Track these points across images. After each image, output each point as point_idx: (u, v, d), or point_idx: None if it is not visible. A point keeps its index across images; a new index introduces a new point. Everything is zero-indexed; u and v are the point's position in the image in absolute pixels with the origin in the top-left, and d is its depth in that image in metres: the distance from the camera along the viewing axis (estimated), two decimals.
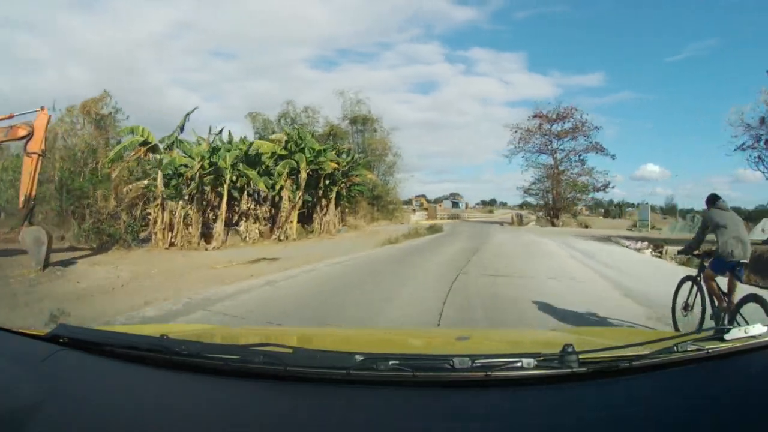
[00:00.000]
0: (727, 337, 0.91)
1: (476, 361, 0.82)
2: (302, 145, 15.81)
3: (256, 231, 13.91)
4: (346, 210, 21.10)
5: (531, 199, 34.79)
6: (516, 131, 31.71)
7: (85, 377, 0.96)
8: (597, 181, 31.07)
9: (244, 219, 13.88)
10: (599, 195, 32.92)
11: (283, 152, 15.54)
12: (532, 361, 0.82)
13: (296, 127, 16.78)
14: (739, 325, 1.06)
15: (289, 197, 14.88)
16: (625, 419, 0.74)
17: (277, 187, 14.52)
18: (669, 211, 40.96)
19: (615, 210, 45.28)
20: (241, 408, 0.81)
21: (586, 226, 29.14)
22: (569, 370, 0.82)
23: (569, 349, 0.84)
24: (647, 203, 29.80)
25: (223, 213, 12.62)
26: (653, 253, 11.69)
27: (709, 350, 0.89)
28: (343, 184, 18.67)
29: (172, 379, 0.93)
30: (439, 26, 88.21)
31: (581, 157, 30.99)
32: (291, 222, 14.83)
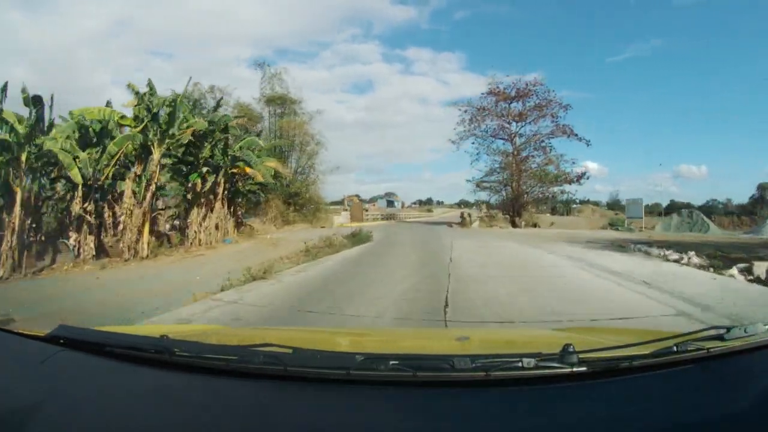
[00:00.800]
0: (727, 336, 1.28)
1: (476, 361, 1.17)
2: (156, 111, 14.67)
3: (92, 246, 13.18)
4: (244, 210, 21.20)
5: (483, 194, 38.77)
6: (466, 111, 35.41)
7: (85, 378, 1.28)
8: (568, 171, 34.26)
9: (73, 229, 13.08)
10: (571, 188, 35.83)
11: (127, 122, 14.59)
12: (532, 361, 1.17)
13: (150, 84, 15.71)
14: None
15: (134, 192, 14.00)
16: (626, 419, 1.08)
17: (102, 177, 13.56)
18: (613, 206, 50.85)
19: (562, 207, 51.02)
20: (242, 408, 1.12)
21: (535, 225, 32.84)
22: (569, 369, 1.17)
23: (569, 349, 1.19)
24: (640, 198, 32.07)
25: (17, 219, 11.42)
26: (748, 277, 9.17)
27: (710, 350, 1.26)
28: (236, 176, 18.41)
29: (172, 379, 1.25)
30: (378, 26, 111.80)
31: (543, 143, 34.66)
32: (143, 231, 14.03)
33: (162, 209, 17.33)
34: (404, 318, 6.27)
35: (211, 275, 9.90)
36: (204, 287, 8.45)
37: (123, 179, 14.51)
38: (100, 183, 13.79)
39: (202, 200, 16.74)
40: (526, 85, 33.99)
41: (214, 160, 17.10)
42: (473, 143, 35.93)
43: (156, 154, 14.52)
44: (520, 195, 34.68)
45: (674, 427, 1.06)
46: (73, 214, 13.09)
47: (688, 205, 41.72)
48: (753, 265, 9.60)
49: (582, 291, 8.18)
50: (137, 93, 15.54)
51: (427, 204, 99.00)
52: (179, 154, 16.44)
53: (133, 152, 14.48)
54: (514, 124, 35.12)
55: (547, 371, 1.19)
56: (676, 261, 11.94)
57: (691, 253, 11.98)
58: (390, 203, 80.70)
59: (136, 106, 15.12)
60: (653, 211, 39.62)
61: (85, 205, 13.24)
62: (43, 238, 12.99)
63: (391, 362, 1.18)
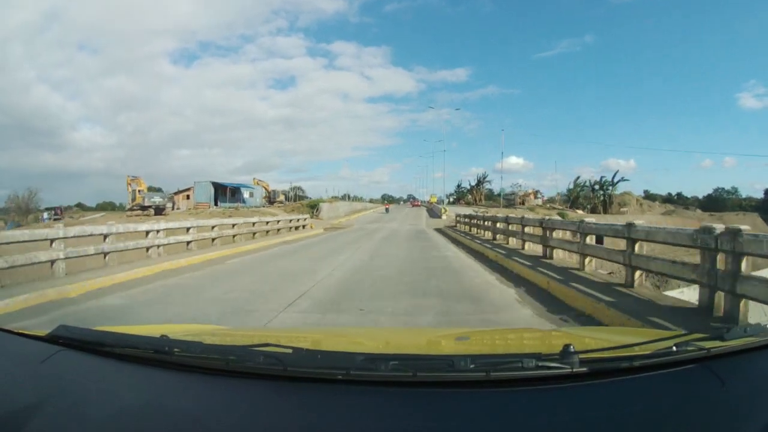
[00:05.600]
0: (727, 337, 1.29)
1: (476, 361, 1.18)
2: None
3: None
4: None
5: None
6: None
7: (84, 378, 1.29)
8: None
9: None
10: None
11: None
12: (532, 361, 1.18)
13: None
14: None
15: None
16: (626, 419, 1.08)
17: None
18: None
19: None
20: (241, 408, 1.13)
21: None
22: (569, 369, 1.17)
23: (569, 349, 1.20)
24: None
25: None
26: None
27: (710, 350, 1.27)
28: None
29: (172, 379, 1.26)
30: (304, 18, 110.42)
31: None
32: None
33: None
34: None
35: None
36: None
37: None
38: None
39: None
40: None
41: None
42: None
43: None
44: None
45: (675, 427, 1.06)
46: None
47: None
48: None
49: None
50: None
51: (342, 199, 72.36)
52: None
53: None
54: None
55: (547, 371, 1.19)
56: None
57: None
58: (232, 194, 48.41)
59: None
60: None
61: None
62: None
63: (391, 362, 1.19)
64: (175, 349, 1.31)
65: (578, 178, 72.86)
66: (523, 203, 58.08)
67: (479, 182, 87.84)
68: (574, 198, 70.41)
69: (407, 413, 1.10)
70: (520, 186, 65.04)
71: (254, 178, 51.79)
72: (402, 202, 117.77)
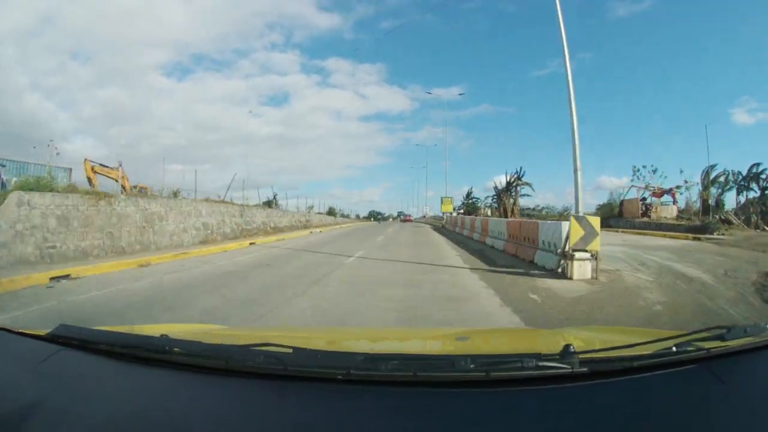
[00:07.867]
0: (727, 337, 1.29)
1: (476, 361, 1.18)
2: None
3: None
4: None
5: None
6: None
7: (85, 377, 1.30)
8: None
9: None
10: None
11: None
12: (532, 361, 1.18)
13: None
14: None
15: None
16: (625, 419, 1.09)
17: None
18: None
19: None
20: (241, 408, 1.13)
21: None
22: (569, 369, 1.17)
23: (570, 349, 1.20)
24: None
25: None
26: None
27: (710, 350, 1.27)
28: None
29: (172, 379, 1.26)
30: (299, 33, 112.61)
31: None
32: None
33: None
34: None
35: None
36: None
37: None
38: None
39: None
40: None
41: None
42: None
43: None
44: None
45: (675, 427, 1.06)
46: None
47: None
48: None
49: None
50: None
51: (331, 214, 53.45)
52: None
53: None
54: None
55: (547, 371, 1.19)
56: None
57: None
58: None
59: None
60: None
61: None
62: None
63: (392, 362, 1.19)
64: (175, 349, 1.31)
65: (713, 167, 31.26)
66: (644, 214, 30.81)
67: (509, 184, 46.13)
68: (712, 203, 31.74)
69: (407, 413, 1.10)
70: (644, 172, 32.65)
71: (86, 159, 18.89)
72: (392, 219, 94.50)
